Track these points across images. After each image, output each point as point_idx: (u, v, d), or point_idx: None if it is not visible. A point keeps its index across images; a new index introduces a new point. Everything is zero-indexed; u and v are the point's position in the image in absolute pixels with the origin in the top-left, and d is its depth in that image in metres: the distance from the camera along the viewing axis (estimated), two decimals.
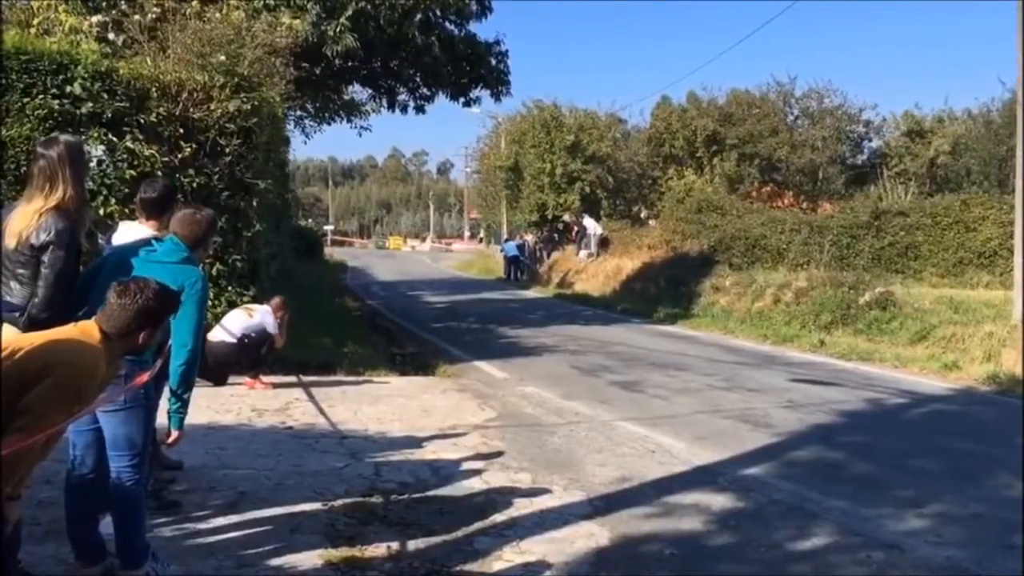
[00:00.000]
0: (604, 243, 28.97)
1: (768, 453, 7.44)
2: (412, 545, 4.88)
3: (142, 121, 9.12)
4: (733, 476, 6.65)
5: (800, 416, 9.01)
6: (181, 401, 4.23)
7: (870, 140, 37.09)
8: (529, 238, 35.34)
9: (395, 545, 4.85)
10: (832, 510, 5.81)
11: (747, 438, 7.99)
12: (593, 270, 27.87)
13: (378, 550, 4.77)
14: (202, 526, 4.95)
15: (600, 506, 5.77)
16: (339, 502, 5.57)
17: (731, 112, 34.39)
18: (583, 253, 29.62)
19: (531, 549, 4.89)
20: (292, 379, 9.98)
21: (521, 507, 5.66)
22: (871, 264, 22.10)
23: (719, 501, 5.95)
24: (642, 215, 35.11)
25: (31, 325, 3.82)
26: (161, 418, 4.39)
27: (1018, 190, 13.45)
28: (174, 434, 4.27)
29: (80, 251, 4.21)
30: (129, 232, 5.02)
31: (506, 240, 37.77)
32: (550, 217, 32.45)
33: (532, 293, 28.22)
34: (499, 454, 7.10)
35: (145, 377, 3.86)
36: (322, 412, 8.39)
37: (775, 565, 4.84)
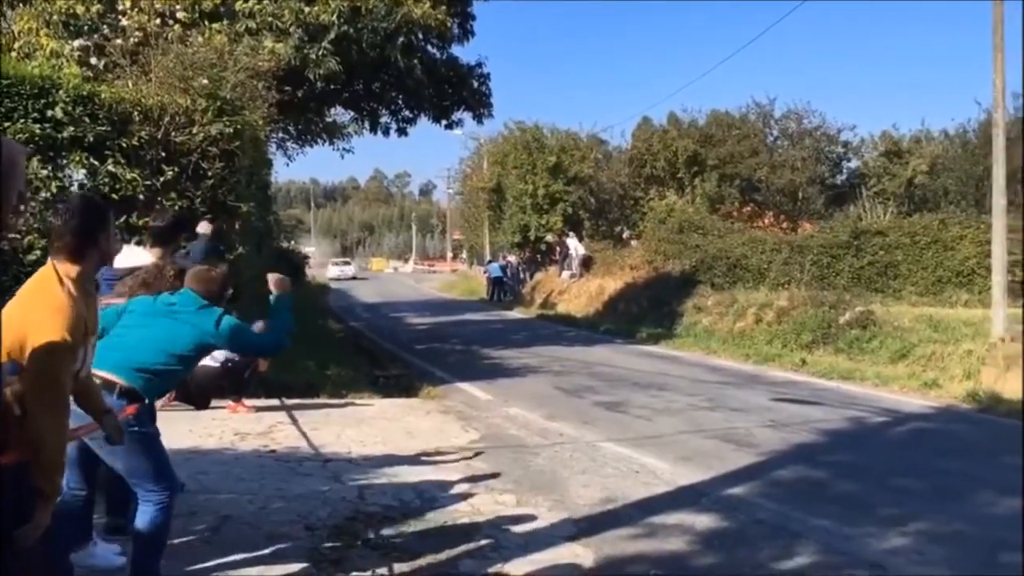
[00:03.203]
0: (587, 263, 29.05)
1: (751, 473, 7.47)
2: (397, 568, 4.87)
3: (124, 145, 9.10)
4: (717, 496, 6.67)
5: (783, 435, 9.05)
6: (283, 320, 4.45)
7: (849, 160, 37.45)
8: (512, 259, 35.40)
9: (380, 569, 4.84)
10: (816, 529, 5.83)
11: (730, 458, 8.02)
12: (576, 290, 27.93)
13: (362, 574, 4.75)
14: (185, 551, 4.92)
15: (585, 527, 5.78)
16: (323, 526, 5.55)
17: (711, 133, 34.66)
18: (566, 274, 29.69)
19: (516, 572, 4.89)
20: (275, 402, 9.95)
21: (506, 529, 5.65)
22: (851, 283, 22.23)
23: (703, 521, 5.97)
24: (624, 235, 35.25)
25: None
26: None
27: (995, 210, 13.61)
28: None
29: None
30: (131, 257, 5.02)
31: (489, 261, 37.83)
32: (532, 238, 32.52)
33: (515, 314, 28.23)
34: (483, 476, 7.09)
35: (131, 410, 3.88)
36: (305, 435, 8.36)
37: None
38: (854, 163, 37.21)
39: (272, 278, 4.43)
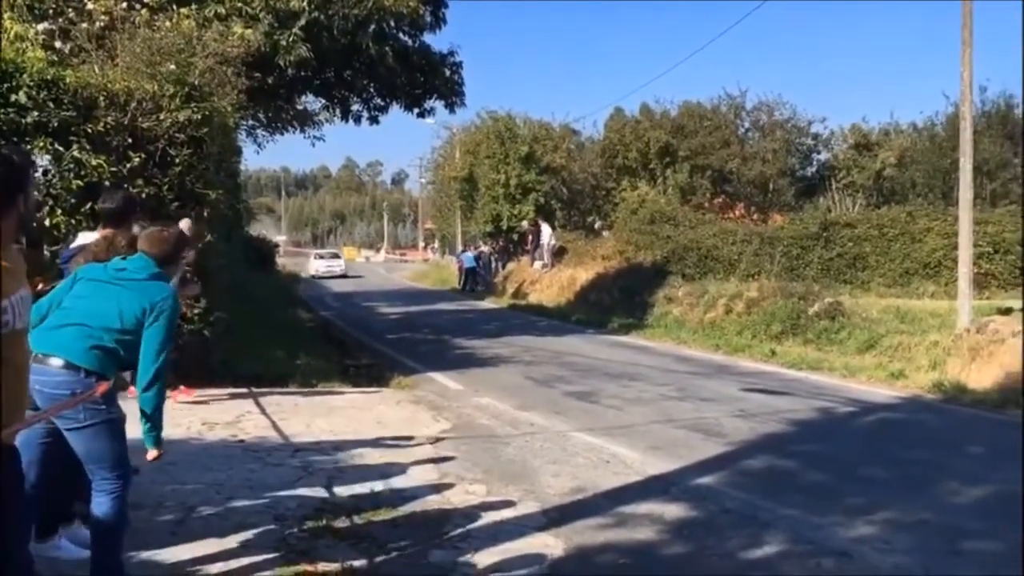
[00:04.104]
0: (558, 253, 29.08)
1: (721, 462, 7.50)
2: (366, 559, 4.85)
3: (89, 131, 8.94)
4: (686, 485, 6.69)
5: (752, 425, 9.11)
6: (152, 421, 4.10)
7: (819, 153, 37.75)
8: (485, 249, 35.36)
9: (349, 559, 4.81)
10: (784, 518, 5.87)
11: (700, 447, 8.05)
12: (548, 280, 27.95)
13: (332, 565, 4.72)
14: (151, 542, 4.86)
15: (555, 517, 5.78)
16: (292, 516, 5.51)
17: (683, 124, 34.78)
18: (538, 264, 29.70)
19: (486, 561, 4.88)
20: (244, 391, 9.86)
21: (476, 519, 5.64)
22: (820, 275, 22.47)
23: (672, 511, 5.99)
24: (596, 226, 35.33)
25: None
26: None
27: (962, 202, 13.76)
28: (152, 452, 4.17)
29: None
30: (85, 239, 4.94)
31: (462, 251, 37.79)
32: (505, 228, 32.50)
33: (487, 304, 28.21)
34: (454, 466, 7.07)
35: (102, 388, 3.79)
36: (274, 425, 8.30)
37: (727, 574, 4.88)
38: (824, 155, 37.54)
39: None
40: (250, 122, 20.69)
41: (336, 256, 55.74)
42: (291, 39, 13.94)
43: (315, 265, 50.06)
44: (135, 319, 4.04)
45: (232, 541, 5.00)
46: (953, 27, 13.44)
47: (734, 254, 23.54)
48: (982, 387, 11.07)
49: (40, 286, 4.61)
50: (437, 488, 6.37)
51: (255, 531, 5.19)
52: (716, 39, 58.02)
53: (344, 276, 47.70)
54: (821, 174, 35.98)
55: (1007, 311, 13.58)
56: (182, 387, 9.18)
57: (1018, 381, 10.82)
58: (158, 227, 4.51)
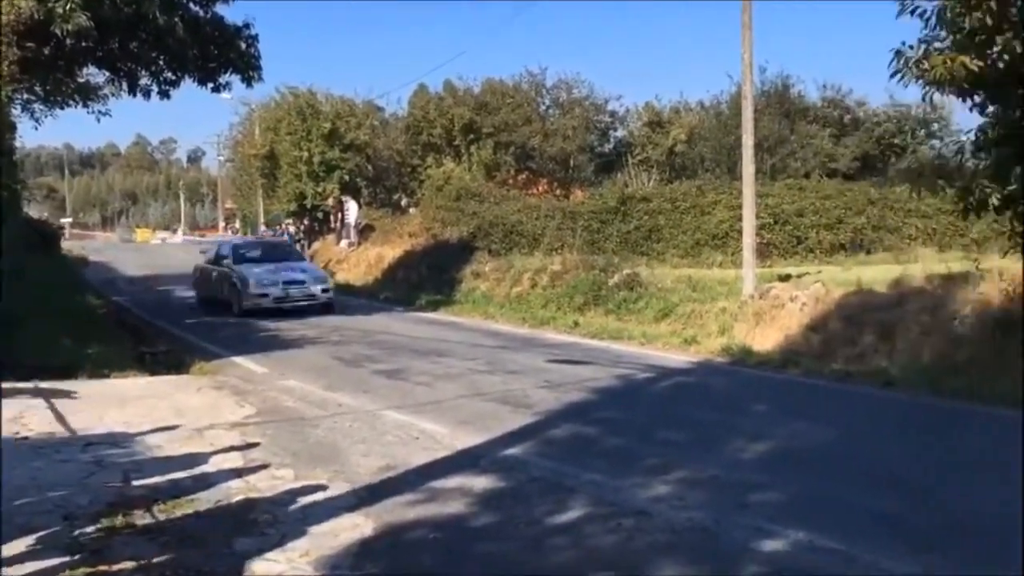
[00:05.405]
0: (364, 231, 28.77)
1: (528, 433, 7.70)
2: (167, 554, 4.65)
3: None
4: (495, 457, 6.83)
5: (557, 395, 9.39)
6: None
7: (616, 130, 39.01)
8: (291, 228, 34.47)
9: (147, 555, 4.60)
10: (587, 484, 6.10)
11: (508, 419, 8.23)
12: (355, 259, 27.63)
13: (127, 563, 4.50)
14: None
15: (365, 496, 5.76)
16: (83, 514, 5.20)
17: (487, 101, 35.07)
18: (344, 243, 29.29)
19: (294, 547, 4.80)
20: (27, 385, 9.19)
21: (283, 504, 5.54)
22: (619, 247, 23.39)
23: (481, 483, 6.10)
24: (403, 203, 35.17)
25: None
26: None
27: (745, 177, 14.65)
28: None
29: None
30: None
31: (264, 230, 36.67)
32: (309, 206, 31.78)
33: None
34: (260, 452, 6.90)
35: None
36: (62, 419, 7.80)
37: (534, 540, 5.03)
38: (620, 132, 38.83)
39: None
40: (25, 95, 19.18)
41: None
42: (68, 6, 12.94)
43: None
44: None
45: (18, 545, 4.66)
46: (736, 10, 14.21)
47: (538, 229, 24.09)
48: (765, 349, 11.89)
49: None
50: (242, 475, 6.19)
51: (42, 533, 4.86)
52: (516, 16, 58.67)
53: None
54: (618, 150, 37.23)
55: (786, 277, 14.65)
56: None
57: (796, 342, 11.71)
58: None
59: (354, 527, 5.16)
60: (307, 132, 31.21)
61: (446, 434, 7.58)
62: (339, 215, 30.30)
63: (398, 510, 5.51)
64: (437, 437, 7.48)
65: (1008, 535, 4.94)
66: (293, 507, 5.50)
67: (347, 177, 31.39)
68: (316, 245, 32.15)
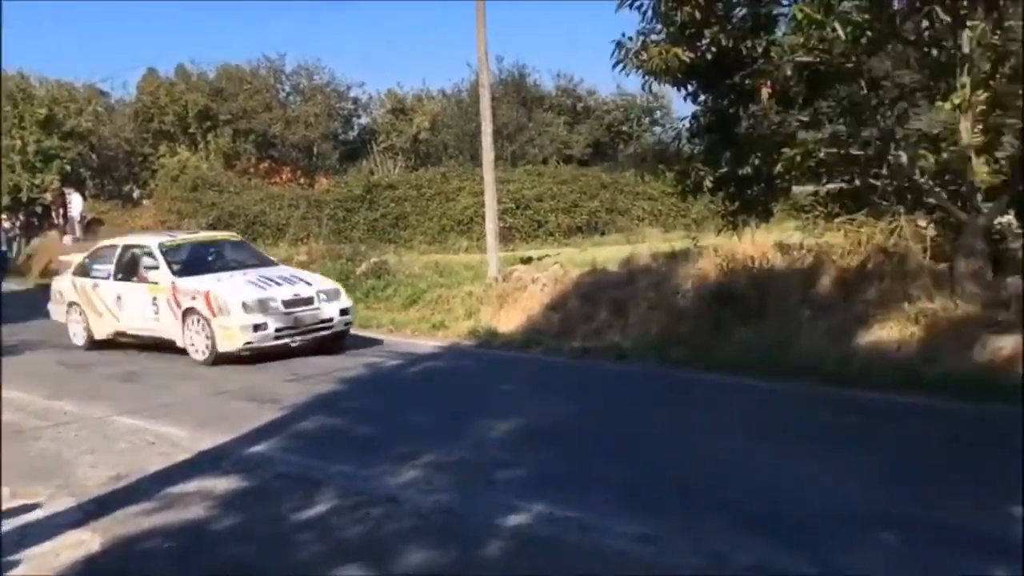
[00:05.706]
0: (90, 225, 26.79)
1: (274, 429, 7.49)
2: None
3: None
4: (238, 457, 6.58)
5: (304, 388, 9.19)
6: None
7: (359, 117, 38.65)
8: (6, 224, 31.41)
9: None
10: (336, 475, 6.01)
11: (253, 416, 7.95)
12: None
13: None
14: None
15: (92, 510, 5.38)
16: None
17: (223, 87, 33.64)
18: (68, 238, 27.09)
19: (8, 572, 4.39)
20: None
21: None
22: (367, 235, 23.29)
23: (223, 484, 5.87)
24: (135, 195, 33.03)
25: None
26: None
27: (485, 164, 14.99)
28: None
29: None
30: None
31: None
32: (25, 200, 29.12)
33: (12, 285, 25.13)
34: None
35: None
36: None
37: (278, 538, 4.90)
38: (364, 119, 38.54)
39: None
40: None
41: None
42: None
43: None
44: None
45: None
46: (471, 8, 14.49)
47: (282, 219, 23.55)
48: (509, 330, 12.24)
49: None
50: None
51: None
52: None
53: None
54: (363, 138, 36.92)
55: (528, 260, 15.18)
56: None
57: (538, 322, 12.15)
58: None
59: (79, 544, 4.80)
60: (20, 119, 28.59)
61: (185, 436, 7.22)
62: (61, 209, 27.95)
63: (131, 521, 5.18)
64: (175, 440, 7.10)
65: (725, 490, 5.38)
66: (7, 529, 5.03)
67: (69, 168, 29.07)
68: (36, 242, 29.53)
